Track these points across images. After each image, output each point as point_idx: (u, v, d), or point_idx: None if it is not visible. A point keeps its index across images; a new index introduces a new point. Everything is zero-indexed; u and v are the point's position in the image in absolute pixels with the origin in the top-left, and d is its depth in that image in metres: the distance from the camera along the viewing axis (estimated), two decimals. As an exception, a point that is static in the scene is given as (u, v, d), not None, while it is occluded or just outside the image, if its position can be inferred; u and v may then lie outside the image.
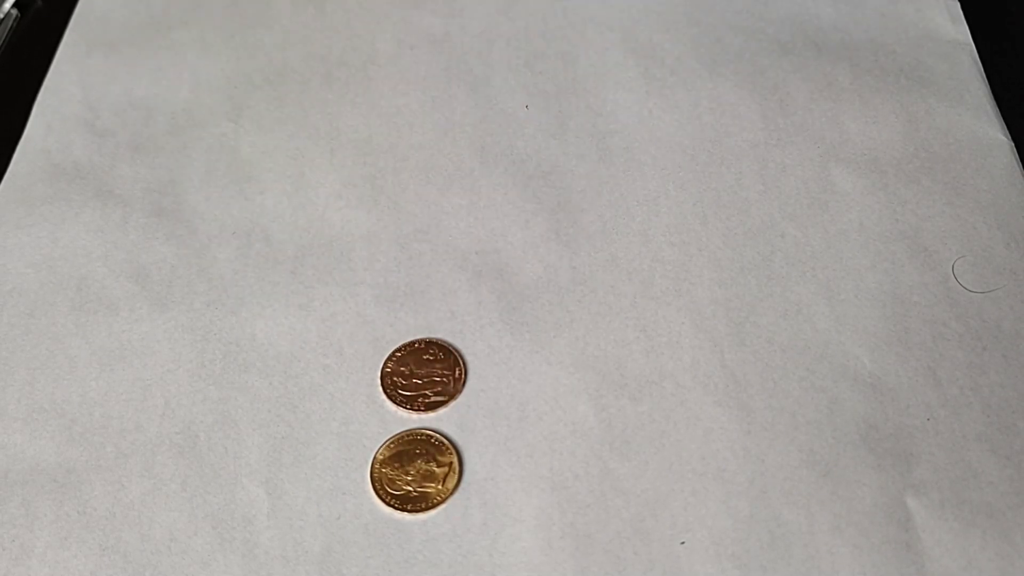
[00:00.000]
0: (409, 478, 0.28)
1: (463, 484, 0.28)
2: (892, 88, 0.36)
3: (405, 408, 0.29)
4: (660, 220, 0.33)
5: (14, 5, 0.42)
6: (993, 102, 0.35)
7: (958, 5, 0.39)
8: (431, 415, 0.29)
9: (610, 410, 0.29)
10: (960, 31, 0.38)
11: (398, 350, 0.31)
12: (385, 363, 0.30)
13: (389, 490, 0.28)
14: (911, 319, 0.30)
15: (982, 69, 0.36)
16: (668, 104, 0.36)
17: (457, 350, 0.31)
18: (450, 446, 0.29)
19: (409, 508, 0.28)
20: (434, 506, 0.28)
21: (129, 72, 0.39)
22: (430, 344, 0.31)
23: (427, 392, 0.30)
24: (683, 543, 0.27)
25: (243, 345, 0.31)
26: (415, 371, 0.30)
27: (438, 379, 0.30)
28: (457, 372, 0.30)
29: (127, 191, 0.35)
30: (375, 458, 0.29)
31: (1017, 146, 0.34)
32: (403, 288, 0.32)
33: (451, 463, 0.28)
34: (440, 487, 0.28)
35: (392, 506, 0.28)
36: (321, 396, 0.30)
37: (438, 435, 0.29)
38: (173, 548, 0.27)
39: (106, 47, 0.40)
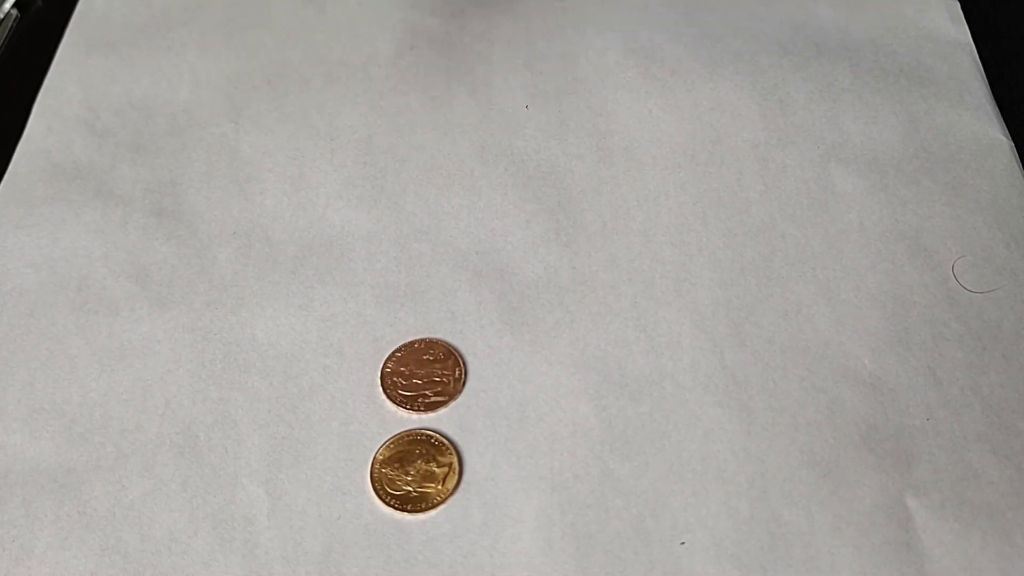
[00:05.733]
0: (409, 478, 0.28)
1: (463, 484, 0.28)
2: (892, 88, 0.36)
3: (405, 408, 0.29)
4: (660, 220, 0.33)
5: (14, 5, 0.42)
6: (993, 102, 0.35)
7: (958, 5, 0.39)
8: (431, 415, 0.29)
9: (610, 410, 0.29)
10: (960, 31, 0.38)
11: (398, 350, 0.31)
12: (385, 363, 0.30)
13: (389, 490, 0.28)
14: (911, 319, 0.30)
15: (982, 69, 0.36)
16: (668, 104, 0.36)
17: (457, 350, 0.31)
18: (450, 446, 0.29)
19: (409, 508, 0.28)
20: (434, 506, 0.28)
21: (129, 72, 0.39)
22: (430, 344, 0.31)
23: (427, 392, 0.30)
24: (683, 543, 0.27)
25: (243, 345, 0.31)
26: (415, 371, 0.30)
27: (438, 379, 0.30)
28: (457, 372, 0.30)
29: (127, 191, 0.35)
30: (375, 458, 0.29)
31: (1017, 146, 0.34)
32: (403, 288, 0.32)
33: (451, 463, 0.28)
34: (440, 487, 0.28)
35: (392, 506, 0.28)
36: (321, 396, 0.30)
37: (438, 435, 0.29)
38: (173, 548, 0.27)
39: (106, 47, 0.40)
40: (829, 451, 0.28)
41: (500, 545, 0.27)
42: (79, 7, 0.42)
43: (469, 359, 0.30)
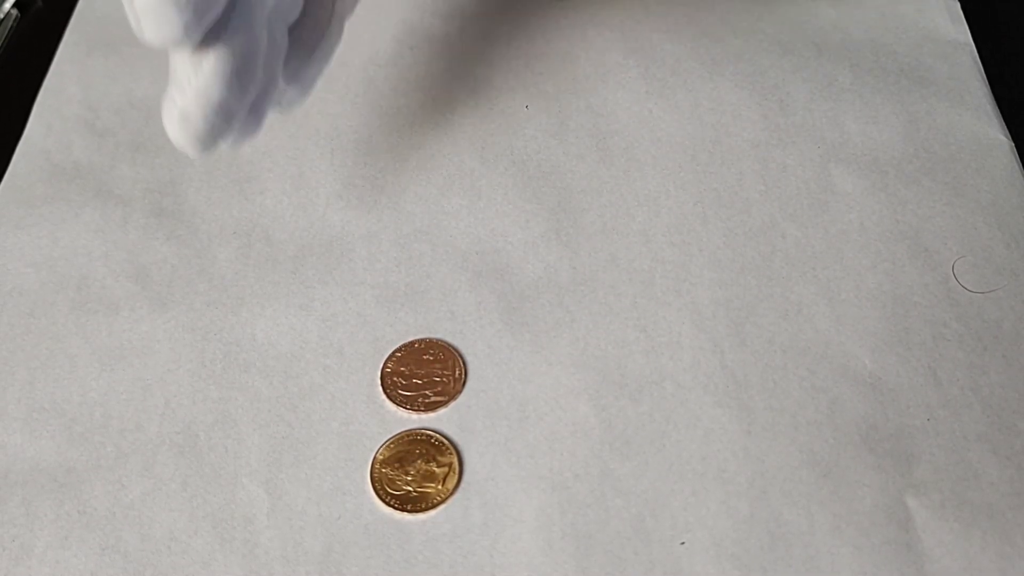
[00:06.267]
0: (409, 478, 0.28)
1: (463, 484, 0.28)
2: (892, 88, 0.36)
3: (405, 408, 0.29)
4: (660, 220, 0.33)
5: (14, 5, 0.42)
6: (993, 102, 0.35)
7: (958, 5, 0.39)
8: (431, 415, 0.29)
9: (610, 410, 0.29)
10: (960, 31, 0.38)
11: (398, 350, 0.31)
12: (385, 363, 0.30)
13: (389, 490, 0.28)
14: (911, 319, 0.30)
15: (982, 69, 0.36)
16: (668, 104, 0.36)
17: (457, 350, 0.31)
18: (450, 446, 0.29)
19: (409, 508, 0.28)
20: (434, 506, 0.28)
21: (129, 72, 0.39)
22: (430, 344, 0.31)
23: (427, 392, 0.30)
24: (683, 543, 0.27)
25: (243, 345, 0.31)
26: (415, 371, 0.30)
27: (438, 379, 0.30)
28: (457, 372, 0.30)
29: (127, 191, 0.35)
30: (375, 458, 0.29)
31: (1017, 146, 0.34)
32: (403, 288, 0.32)
33: (451, 463, 0.28)
34: (440, 487, 0.28)
35: (392, 506, 0.28)
36: (321, 396, 0.30)
37: (438, 435, 0.29)
38: (173, 548, 0.27)
39: (106, 47, 0.40)
40: (829, 451, 0.28)
41: (500, 545, 0.27)
42: (79, 7, 0.42)
43: (469, 359, 0.30)
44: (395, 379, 0.30)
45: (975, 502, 0.27)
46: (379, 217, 0.34)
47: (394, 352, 0.31)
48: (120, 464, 0.29)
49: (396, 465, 0.28)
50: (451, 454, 0.28)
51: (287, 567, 0.27)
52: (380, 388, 0.30)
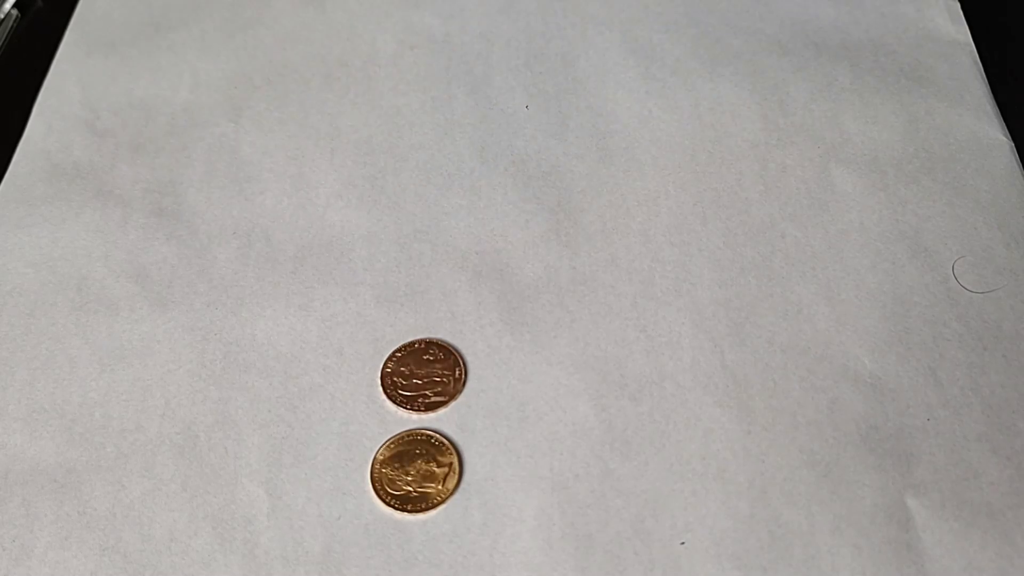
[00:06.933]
0: (409, 478, 0.28)
1: (463, 484, 0.28)
2: (892, 88, 0.36)
3: (405, 408, 0.29)
4: (660, 220, 0.33)
5: (14, 5, 0.42)
6: (993, 102, 0.35)
7: (958, 5, 0.39)
8: (431, 415, 0.29)
9: (610, 410, 0.29)
10: (960, 31, 0.38)
11: (398, 350, 0.31)
12: (385, 363, 0.30)
13: (389, 490, 0.28)
14: (911, 319, 0.30)
15: (982, 69, 0.36)
16: (668, 104, 0.36)
17: (457, 350, 0.31)
18: (450, 446, 0.29)
19: (409, 508, 0.28)
20: (434, 506, 0.28)
21: (129, 72, 0.39)
22: (430, 344, 0.31)
23: (427, 392, 0.30)
24: (683, 543, 0.27)
25: (243, 345, 0.31)
26: (415, 371, 0.30)
27: (438, 379, 0.30)
28: (457, 372, 0.30)
29: (127, 191, 0.35)
30: (375, 458, 0.29)
31: (1017, 146, 0.34)
32: (403, 288, 0.32)
33: (451, 463, 0.28)
34: (440, 487, 0.28)
35: (392, 506, 0.28)
36: (321, 396, 0.30)
37: (438, 435, 0.29)
38: (173, 548, 0.27)
39: (106, 47, 0.40)
40: (829, 451, 0.28)
41: (500, 545, 0.27)
42: (79, 7, 0.42)
43: (469, 359, 0.30)
44: (395, 379, 0.30)
45: (975, 502, 0.27)
46: (379, 217, 0.34)
47: (394, 352, 0.31)
48: (120, 464, 0.29)
49: (396, 465, 0.28)
50: (451, 454, 0.28)
51: (287, 567, 0.27)
52: (380, 388, 0.30)
